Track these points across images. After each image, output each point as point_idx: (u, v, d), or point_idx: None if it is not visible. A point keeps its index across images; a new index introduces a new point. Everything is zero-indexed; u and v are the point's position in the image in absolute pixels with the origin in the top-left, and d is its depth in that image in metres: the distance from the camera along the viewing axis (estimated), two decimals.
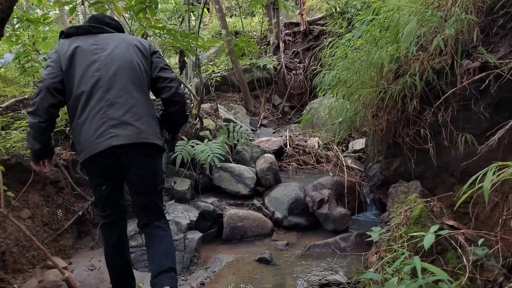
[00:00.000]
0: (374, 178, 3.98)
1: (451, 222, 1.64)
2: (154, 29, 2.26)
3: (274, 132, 7.57)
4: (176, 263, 1.95)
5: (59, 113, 1.98)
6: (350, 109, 3.74)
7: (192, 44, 2.16)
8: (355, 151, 5.61)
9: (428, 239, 1.26)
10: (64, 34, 2.02)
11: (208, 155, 3.83)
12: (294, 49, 9.96)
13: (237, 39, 2.57)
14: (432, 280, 1.29)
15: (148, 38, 2.53)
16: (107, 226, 2.08)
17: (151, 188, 2.01)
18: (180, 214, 3.31)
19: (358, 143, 5.76)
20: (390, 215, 2.20)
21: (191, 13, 5.27)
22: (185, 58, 2.47)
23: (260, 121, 7.82)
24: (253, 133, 6.79)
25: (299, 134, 7.13)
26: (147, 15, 2.31)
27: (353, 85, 3.56)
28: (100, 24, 2.05)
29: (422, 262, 1.28)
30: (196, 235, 3.09)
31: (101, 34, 2.02)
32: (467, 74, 2.81)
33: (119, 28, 2.15)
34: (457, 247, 1.36)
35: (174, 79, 2.03)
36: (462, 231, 1.43)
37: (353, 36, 3.84)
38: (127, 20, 3.10)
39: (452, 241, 1.39)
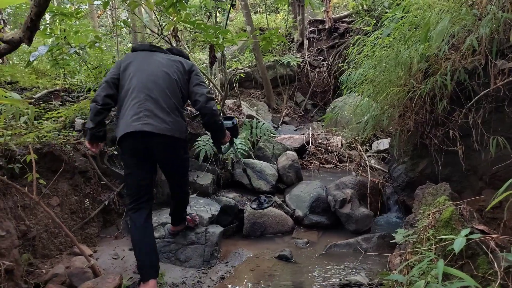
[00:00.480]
0: (399, 179, 3.90)
1: (481, 227, 1.59)
2: (184, 24, 2.28)
3: (296, 130, 7.53)
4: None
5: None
6: (377, 108, 3.67)
7: (221, 39, 2.17)
8: (379, 151, 5.51)
9: (459, 243, 1.22)
10: (131, 49, 2.66)
11: (231, 151, 3.85)
12: (319, 47, 9.87)
13: (267, 33, 2.56)
14: (459, 286, 1.25)
15: (178, 33, 2.57)
16: (135, 209, 2.39)
17: (175, 172, 2.57)
18: (202, 208, 3.35)
19: (383, 143, 5.65)
20: (417, 217, 2.15)
21: (217, 9, 5.31)
22: (215, 53, 2.50)
23: (282, 118, 7.80)
24: (275, 130, 6.79)
25: (322, 132, 7.07)
26: (177, 10, 2.34)
27: (380, 84, 3.50)
28: (158, 48, 2.61)
29: (449, 267, 1.25)
30: (217, 229, 3.12)
31: (157, 53, 2.55)
32: (501, 74, 2.71)
33: (180, 53, 2.66)
34: (489, 252, 1.31)
35: (203, 95, 2.42)
36: (493, 236, 1.38)
37: (381, 34, 3.76)
38: (156, 15, 3.15)
39: (483, 246, 1.34)
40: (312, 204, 3.72)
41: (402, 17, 3.60)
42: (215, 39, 2.11)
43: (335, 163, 5.02)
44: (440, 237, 1.42)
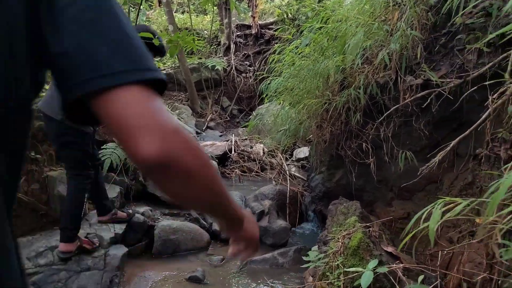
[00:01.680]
0: (316, 189, 3.91)
1: (390, 249, 1.54)
2: None
3: (221, 135, 7.32)
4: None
5: None
6: (295, 118, 3.63)
7: None
8: (298, 160, 5.56)
9: (366, 278, 1.12)
10: None
11: None
12: (245, 52, 9.81)
13: (174, 35, 2.27)
14: None
15: None
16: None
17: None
18: (104, 226, 2.95)
19: (302, 152, 5.72)
20: (329, 236, 2.08)
21: (129, 5, 4.87)
22: None
23: (206, 123, 7.53)
24: (198, 136, 6.49)
25: (246, 139, 6.97)
26: None
27: (299, 94, 3.45)
28: None
29: None
30: (120, 250, 2.76)
31: None
32: (409, 90, 2.80)
33: None
34: (396, 284, 1.24)
35: None
36: (401, 266, 1.32)
37: (301, 43, 3.74)
38: None
39: (390, 277, 1.27)
40: None
41: (321, 27, 3.62)
42: None
43: (257, 172, 4.92)
44: (348, 269, 1.32)
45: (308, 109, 3.22)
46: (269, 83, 3.83)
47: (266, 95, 4.13)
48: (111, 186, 3.46)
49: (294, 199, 4.13)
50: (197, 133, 6.46)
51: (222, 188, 0.60)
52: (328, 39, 3.25)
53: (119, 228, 2.99)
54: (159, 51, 2.52)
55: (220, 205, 0.65)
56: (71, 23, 0.47)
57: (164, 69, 8.23)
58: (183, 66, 7.53)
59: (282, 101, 4.09)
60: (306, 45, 3.50)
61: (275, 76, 4.07)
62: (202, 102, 8.26)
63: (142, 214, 3.41)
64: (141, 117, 0.47)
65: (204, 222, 3.53)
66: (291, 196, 4.08)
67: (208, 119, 7.69)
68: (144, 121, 0.47)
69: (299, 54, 3.78)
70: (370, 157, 3.00)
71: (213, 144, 5.30)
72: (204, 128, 7.32)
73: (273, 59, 4.03)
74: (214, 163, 4.41)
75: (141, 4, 3.63)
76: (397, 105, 2.69)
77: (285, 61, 3.82)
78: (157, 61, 8.72)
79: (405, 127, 2.97)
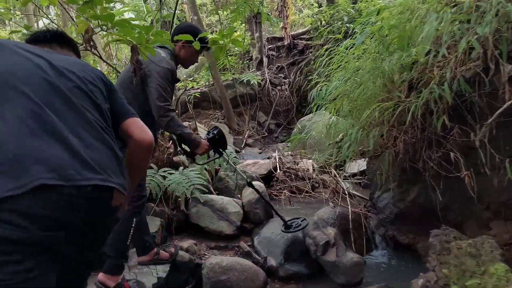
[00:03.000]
0: (386, 211, 3.31)
1: None
2: (99, 21, 1.56)
3: (260, 153, 6.87)
4: None
5: None
6: (355, 127, 3.09)
7: (150, 38, 1.46)
8: (353, 175, 4.97)
9: None
10: None
11: (186, 188, 3.10)
12: (278, 64, 9.43)
13: (218, 33, 1.86)
14: None
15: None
16: None
17: None
18: (145, 269, 2.53)
19: (356, 166, 5.12)
20: (439, 282, 1.52)
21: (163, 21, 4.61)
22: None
23: (244, 141, 7.12)
24: (238, 155, 6.07)
25: (289, 155, 6.46)
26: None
27: (359, 98, 2.93)
28: None
29: None
30: None
31: None
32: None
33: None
34: None
35: None
36: None
37: (353, 44, 3.23)
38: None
39: None
40: (287, 249, 3.00)
41: (375, 22, 3.11)
42: (137, 37, 1.39)
43: (308, 191, 4.38)
44: None
45: (374, 115, 2.68)
46: (320, 90, 3.33)
47: (315, 104, 3.64)
48: (151, 218, 3.07)
49: (357, 222, 3.54)
50: (236, 151, 6.04)
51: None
52: (388, 34, 2.72)
53: (162, 271, 2.56)
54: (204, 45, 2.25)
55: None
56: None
57: (199, 88, 7.98)
58: (218, 83, 7.22)
59: (334, 109, 3.58)
60: (362, 43, 2.99)
61: (325, 82, 3.57)
62: (238, 118, 7.89)
63: (187, 250, 2.97)
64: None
65: (257, 257, 3.03)
66: (353, 220, 3.50)
67: (245, 136, 7.28)
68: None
69: (352, 55, 3.28)
70: (463, 168, 2.39)
71: (255, 163, 4.83)
72: (242, 146, 6.91)
73: (321, 63, 3.54)
74: (261, 184, 3.94)
75: (172, 22, 3.32)
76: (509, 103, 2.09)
77: (336, 63, 3.32)
78: (190, 81, 8.51)
79: (503, 129, 2.36)
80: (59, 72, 1.14)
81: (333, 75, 3.30)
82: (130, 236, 2.23)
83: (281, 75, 9.21)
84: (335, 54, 3.42)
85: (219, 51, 1.59)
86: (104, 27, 1.66)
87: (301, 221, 2.95)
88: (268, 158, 6.26)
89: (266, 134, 7.95)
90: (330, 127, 3.60)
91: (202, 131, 5.57)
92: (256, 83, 7.86)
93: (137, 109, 1.62)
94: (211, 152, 2.65)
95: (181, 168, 3.46)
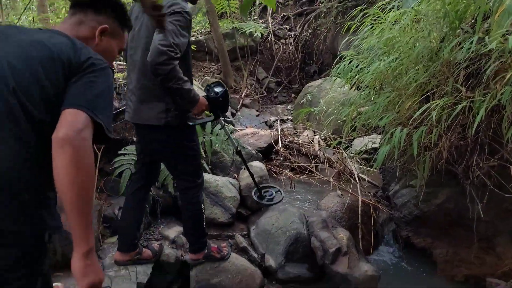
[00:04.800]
0: (404, 210, 2.90)
1: None
2: None
3: (258, 115, 6.32)
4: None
5: None
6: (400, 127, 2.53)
7: None
8: (359, 152, 4.51)
9: None
10: None
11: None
12: (284, 13, 8.51)
13: None
14: None
15: None
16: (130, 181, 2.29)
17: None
18: (122, 272, 2.10)
19: (366, 143, 4.65)
20: None
21: None
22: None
23: (241, 100, 6.51)
24: (233, 118, 5.51)
25: (287, 120, 5.94)
26: None
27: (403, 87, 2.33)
28: None
29: None
30: None
31: None
32: None
33: None
34: None
35: None
36: None
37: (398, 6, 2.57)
38: None
39: None
40: (289, 248, 2.60)
41: None
42: None
43: (311, 171, 3.93)
44: None
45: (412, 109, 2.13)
46: (350, 62, 2.71)
47: (337, 75, 3.05)
48: None
49: (366, 215, 3.16)
50: (232, 114, 5.47)
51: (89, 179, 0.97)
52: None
53: (144, 273, 2.14)
54: None
55: (77, 216, 0.94)
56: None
57: (193, 35, 7.13)
58: (216, 32, 6.41)
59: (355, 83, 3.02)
60: (412, 8, 2.34)
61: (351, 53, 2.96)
62: (236, 74, 7.18)
63: (173, 241, 2.55)
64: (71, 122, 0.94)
65: (253, 254, 2.63)
66: (362, 212, 3.11)
67: (243, 95, 6.65)
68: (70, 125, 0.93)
69: (391, 22, 2.64)
70: None
71: (254, 134, 4.31)
72: (239, 107, 6.31)
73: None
74: (262, 166, 3.45)
75: None
76: None
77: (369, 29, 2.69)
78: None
79: None
80: None
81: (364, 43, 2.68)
82: (204, 217, 2.21)
83: (286, 26, 8.34)
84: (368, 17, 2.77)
85: (246, 7, 1.01)
86: None
87: (276, 192, 2.72)
88: (266, 123, 5.75)
89: (265, 93, 7.31)
90: (351, 104, 3.05)
91: (197, 89, 4.94)
92: (260, 35, 7.05)
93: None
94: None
95: None
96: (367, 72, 2.53)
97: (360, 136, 4.60)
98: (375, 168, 2.80)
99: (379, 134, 4.88)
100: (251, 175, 2.55)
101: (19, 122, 0.93)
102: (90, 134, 0.95)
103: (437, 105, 1.89)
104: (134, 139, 2.75)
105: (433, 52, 2.08)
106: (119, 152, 2.55)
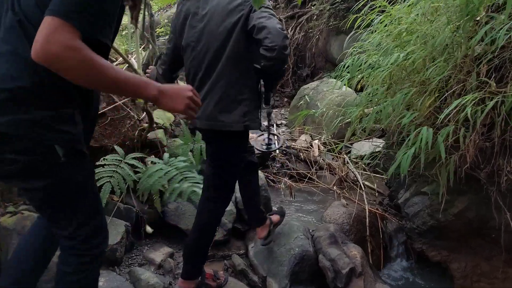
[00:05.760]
0: (416, 220, 2.62)
1: None
2: None
3: None
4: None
5: None
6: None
7: None
8: (360, 157, 4.26)
9: None
10: None
11: (182, 188, 2.31)
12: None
13: None
14: None
15: None
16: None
17: None
18: None
19: (362, 146, 4.40)
20: None
21: None
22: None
23: None
24: None
25: (281, 125, 5.68)
26: None
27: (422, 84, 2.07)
28: None
29: None
30: None
31: None
32: None
33: None
34: None
35: None
36: None
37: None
38: None
39: None
40: (294, 268, 2.29)
41: None
42: None
43: (312, 178, 3.65)
44: None
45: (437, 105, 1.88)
46: (365, 61, 2.43)
47: (343, 76, 2.78)
48: (111, 222, 2.25)
49: (374, 227, 2.89)
50: None
51: (114, 78, 0.98)
52: None
53: None
54: None
55: (117, 89, 1.05)
56: None
57: None
58: None
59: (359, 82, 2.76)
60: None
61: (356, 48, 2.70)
62: None
63: (160, 266, 2.23)
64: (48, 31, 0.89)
65: (254, 278, 2.31)
66: (370, 224, 2.84)
67: None
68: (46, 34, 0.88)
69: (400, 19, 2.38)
70: None
71: (250, 138, 3.99)
72: None
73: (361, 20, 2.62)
74: (261, 175, 3.15)
75: None
76: None
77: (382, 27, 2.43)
78: None
79: None
80: None
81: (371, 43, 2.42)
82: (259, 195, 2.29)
83: None
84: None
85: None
86: None
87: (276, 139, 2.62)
88: (261, 130, 5.46)
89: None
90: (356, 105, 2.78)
91: None
92: None
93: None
94: None
95: (166, 155, 2.58)
96: (378, 68, 2.26)
97: (360, 140, 4.36)
98: (388, 176, 2.52)
99: (379, 137, 4.66)
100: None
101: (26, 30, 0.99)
102: (65, 37, 0.89)
103: (467, 100, 1.63)
104: (115, 147, 2.43)
105: (455, 43, 1.83)
106: (97, 163, 2.22)
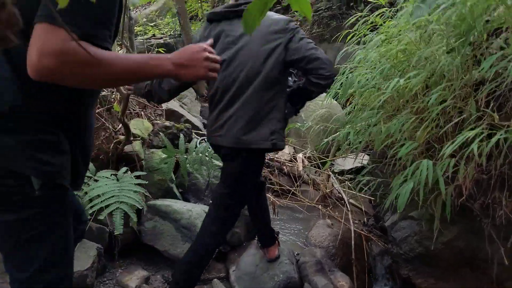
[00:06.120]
0: (404, 246, 2.55)
1: None
2: None
3: None
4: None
5: None
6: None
7: None
8: (341, 172, 4.21)
9: None
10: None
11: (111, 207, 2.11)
12: None
13: None
14: None
15: None
16: None
17: None
18: None
19: (344, 163, 4.36)
20: None
21: None
22: None
23: None
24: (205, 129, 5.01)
25: None
26: None
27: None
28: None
29: None
30: None
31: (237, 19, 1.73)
32: None
33: None
34: None
35: None
36: None
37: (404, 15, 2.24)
38: None
39: None
40: None
41: None
42: None
43: (296, 193, 3.54)
44: None
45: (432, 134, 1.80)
46: (359, 81, 2.33)
47: (340, 93, 2.68)
48: (82, 244, 2.04)
49: (359, 248, 2.81)
50: (204, 125, 4.98)
51: (124, 69, 0.88)
52: None
53: None
54: None
55: (134, 76, 0.93)
56: None
57: (161, 37, 6.60)
58: (187, 35, 5.91)
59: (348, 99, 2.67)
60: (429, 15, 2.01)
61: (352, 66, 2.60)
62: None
63: None
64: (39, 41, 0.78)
65: None
66: (355, 246, 2.76)
67: None
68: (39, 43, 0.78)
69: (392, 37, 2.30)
70: None
71: None
72: None
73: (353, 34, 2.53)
74: None
75: None
76: None
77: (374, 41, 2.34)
78: (150, 26, 7.05)
79: None
80: None
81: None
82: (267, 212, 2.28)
83: None
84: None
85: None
86: None
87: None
88: None
89: None
90: (345, 123, 2.69)
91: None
92: None
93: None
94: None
95: (122, 170, 2.36)
96: (373, 88, 2.16)
97: (344, 156, 4.30)
98: (399, 209, 2.44)
99: (363, 151, 4.62)
100: None
101: None
102: (59, 41, 0.79)
103: (472, 135, 1.55)
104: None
105: (458, 68, 1.75)
106: None
